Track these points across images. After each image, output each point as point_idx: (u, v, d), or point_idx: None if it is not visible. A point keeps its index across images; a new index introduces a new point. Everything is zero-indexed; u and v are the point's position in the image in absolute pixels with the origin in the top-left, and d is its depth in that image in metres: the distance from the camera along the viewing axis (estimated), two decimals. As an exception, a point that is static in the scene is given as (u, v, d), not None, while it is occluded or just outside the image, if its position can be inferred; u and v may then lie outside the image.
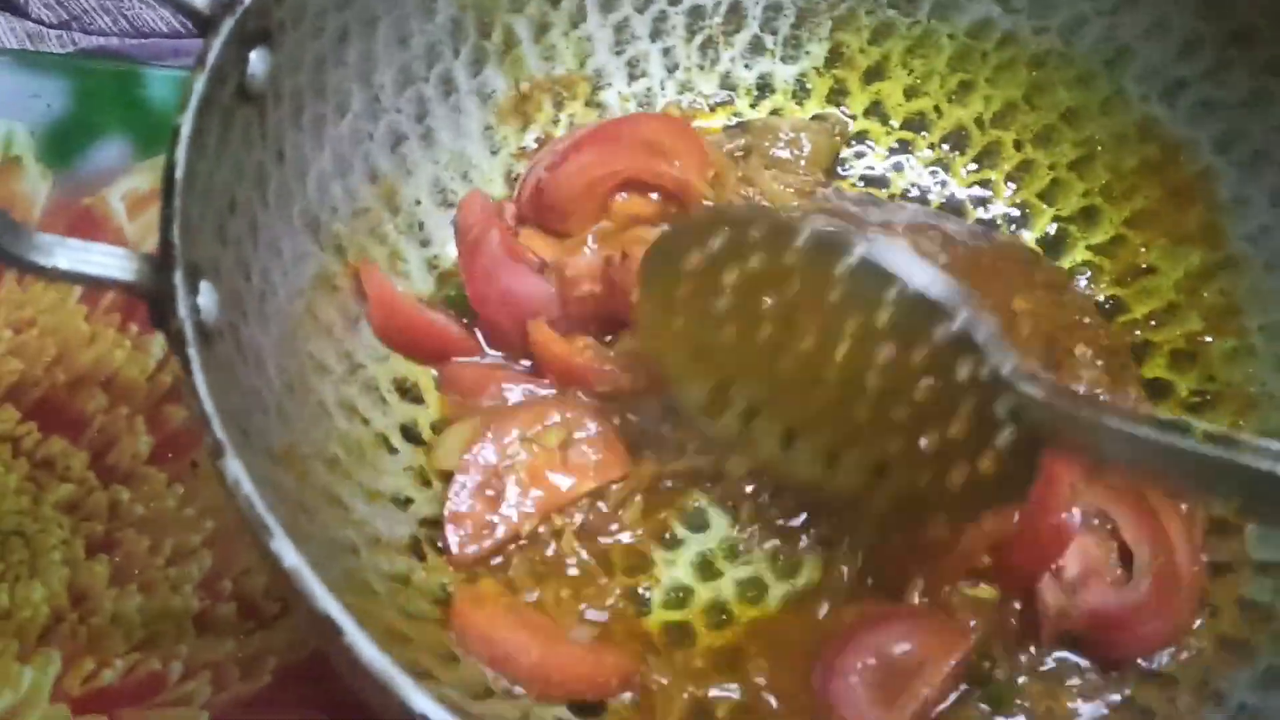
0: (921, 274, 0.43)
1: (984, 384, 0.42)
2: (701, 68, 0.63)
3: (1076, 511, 0.48)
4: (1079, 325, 0.56)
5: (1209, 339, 0.56)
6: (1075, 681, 0.48)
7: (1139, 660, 0.49)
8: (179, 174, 0.38)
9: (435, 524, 0.50)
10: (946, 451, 0.43)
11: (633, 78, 0.62)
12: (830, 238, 0.44)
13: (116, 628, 0.55)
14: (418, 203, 0.56)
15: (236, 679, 0.53)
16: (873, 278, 0.43)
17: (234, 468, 0.33)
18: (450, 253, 0.57)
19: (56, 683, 0.53)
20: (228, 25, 0.41)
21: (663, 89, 0.63)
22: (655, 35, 0.62)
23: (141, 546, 0.57)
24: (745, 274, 0.45)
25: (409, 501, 0.50)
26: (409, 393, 0.53)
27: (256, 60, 0.44)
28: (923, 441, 0.43)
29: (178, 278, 0.36)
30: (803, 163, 0.60)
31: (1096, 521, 0.50)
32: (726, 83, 0.64)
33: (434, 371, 0.54)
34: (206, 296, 0.39)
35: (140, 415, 0.60)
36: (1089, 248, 0.60)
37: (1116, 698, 0.48)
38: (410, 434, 0.52)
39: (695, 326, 0.47)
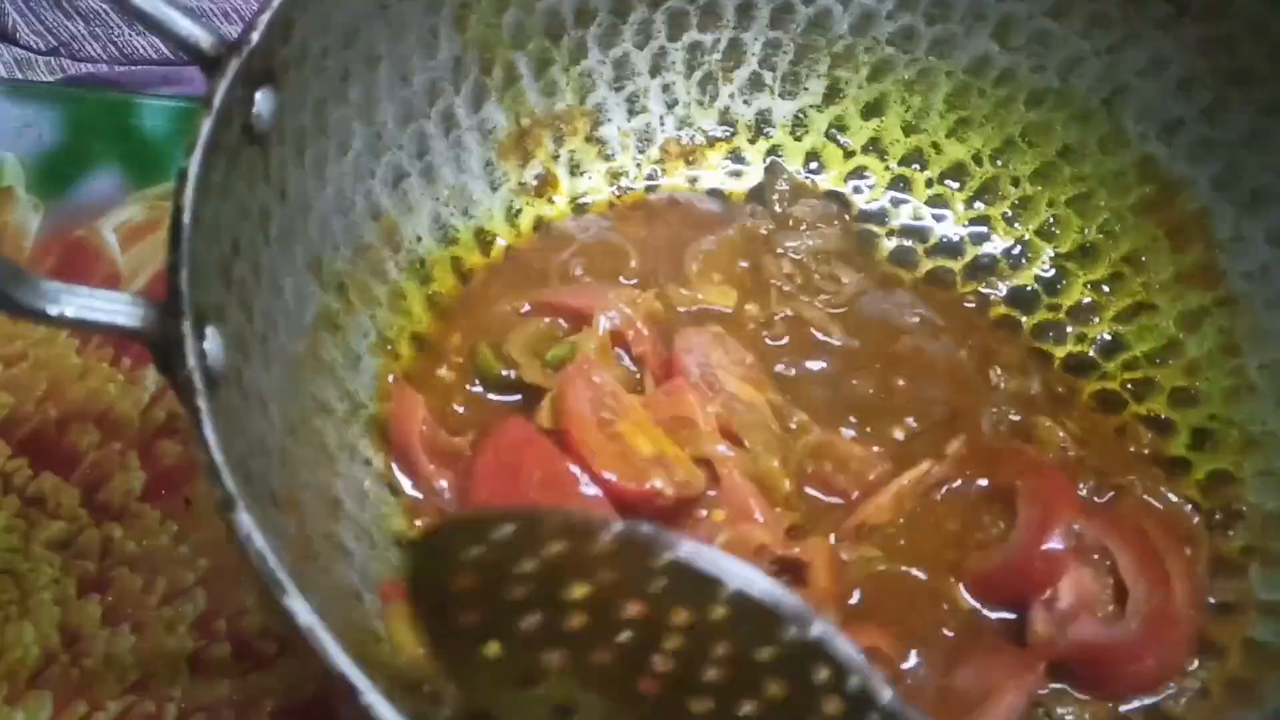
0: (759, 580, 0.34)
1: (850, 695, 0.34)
2: (701, 103, 0.63)
3: (1065, 541, 0.48)
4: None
5: (1209, 377, 0.57)
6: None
7: (1140, 699, 0.49)
8: (187, 218, 0.37)
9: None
10: None
11: (632, 113, 0.62)
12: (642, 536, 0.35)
13: (109, 669, 0.54)
14: (419, 239, 0.56)
15: (232, 721, 0.52)
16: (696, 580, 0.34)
17: (245, 522, 0.33)
18: (450, 289, 0.56)
19: (48, 727, 0.52)
20: (234, 66, 0.41)
21: (662, 124, 0.63)
22: (655, 71, 0.62)
23: (135, 585, 0.56)
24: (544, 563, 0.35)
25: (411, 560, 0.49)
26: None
27: (262, 100, 0.43)
28: None
29: (186, 326, 0.36)
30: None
31: (1096, 556, 0.50)
32: (726, 118, 0.64)
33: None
34: (213, 342, 0.38)
35: (133, 451, 0.60)
36: (1087, 285, 0.60)
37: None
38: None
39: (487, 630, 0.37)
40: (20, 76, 0.81)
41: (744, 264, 0.59)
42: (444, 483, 0.51)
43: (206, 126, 0.39)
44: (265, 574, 0.32)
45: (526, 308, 0.55)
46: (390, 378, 0.53)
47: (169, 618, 0.55)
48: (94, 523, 0.58)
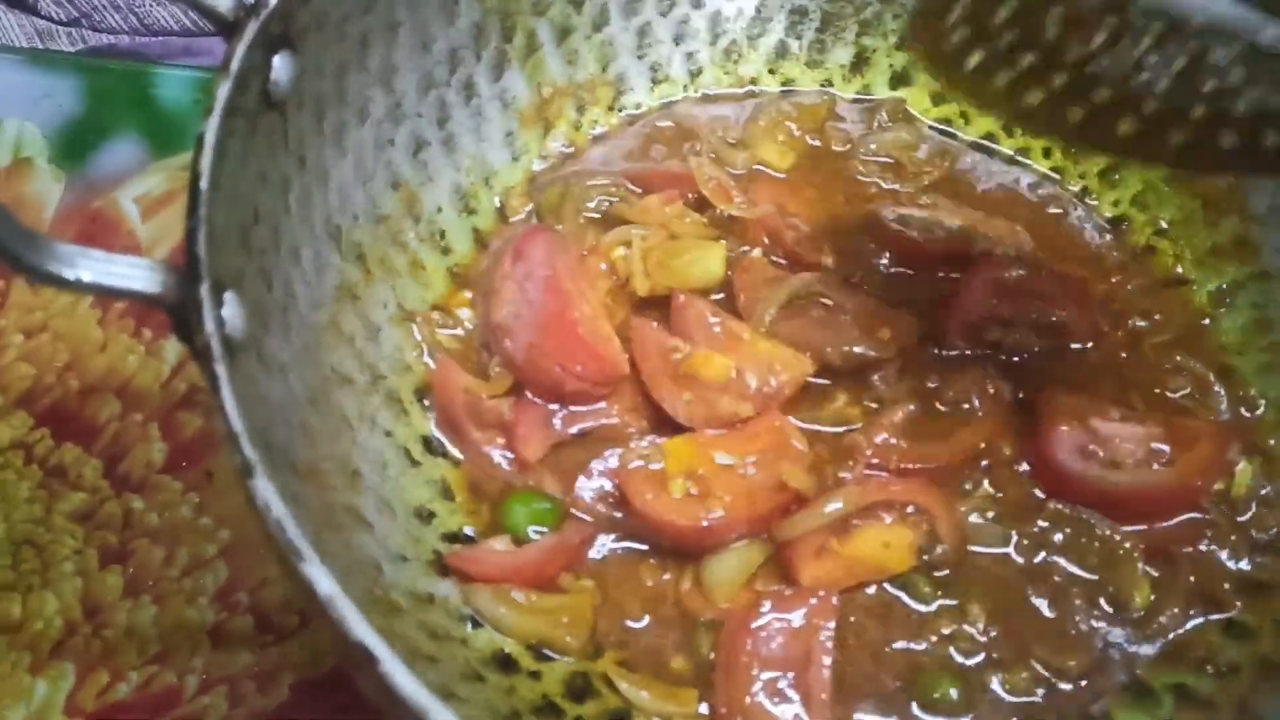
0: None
1: None
2: (726, 72, 0.62)
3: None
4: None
5: (1242, 353, 0.55)
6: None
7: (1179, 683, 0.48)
8: (204, 184, 0.37)
9: (457, 539, 0.49)
10: None
11: (655, 82, 0.61)
12: None
13: (130, 640, 0.54)
14: (439, 210, 0.55)
15: (253, 693, 0.52)
16: None
17: (264, 489, 0.32)
18: (470, 260, 0.56)
19: (69, 696, 0.52)
20: (251, 29, 0.40)
21: (685, 93, 0.62)
22: (678, 39, 0.61)
23: (156, 557, 0.56)
24: None
25: (431, 515, 0.49)
26: (431, 404, 0.52)
27: (280, 65, 0.43)
28: None
29: (204, 290, 0.35)
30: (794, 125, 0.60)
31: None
32: (751, 87, 0.63)
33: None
34: (232, 308, 0.38)
35: (154, 423, 0.60)
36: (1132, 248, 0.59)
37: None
38: (432, 446, 0.51)
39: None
40: (42, 47, 0.80)
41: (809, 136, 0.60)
42: (493, 448, 0.51)
43: (225, 90, 0.39)
44: (284, 542, 0.31)
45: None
46: (424, 351, 0.53)
47: (190, 589, 0.55)
48: (115, 494, 0.57)
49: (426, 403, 0.52)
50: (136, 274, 0.36)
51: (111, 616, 0.54)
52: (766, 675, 0.45)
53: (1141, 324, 0.56)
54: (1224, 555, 0.50)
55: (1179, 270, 0.58)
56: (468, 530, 0.50)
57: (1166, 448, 0.50)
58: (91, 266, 0.35)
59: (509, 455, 0.51)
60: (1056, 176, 0.61)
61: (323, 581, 0.31)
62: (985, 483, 0.51)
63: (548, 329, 0.50)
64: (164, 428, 0.59)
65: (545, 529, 0.49)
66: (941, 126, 0.62)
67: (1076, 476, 0.50)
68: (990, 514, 0.50)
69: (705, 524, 0.47)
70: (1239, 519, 0.51)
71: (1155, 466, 0.50)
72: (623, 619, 0.48)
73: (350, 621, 0.30)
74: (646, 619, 0.48)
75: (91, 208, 0.67)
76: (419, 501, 0.49)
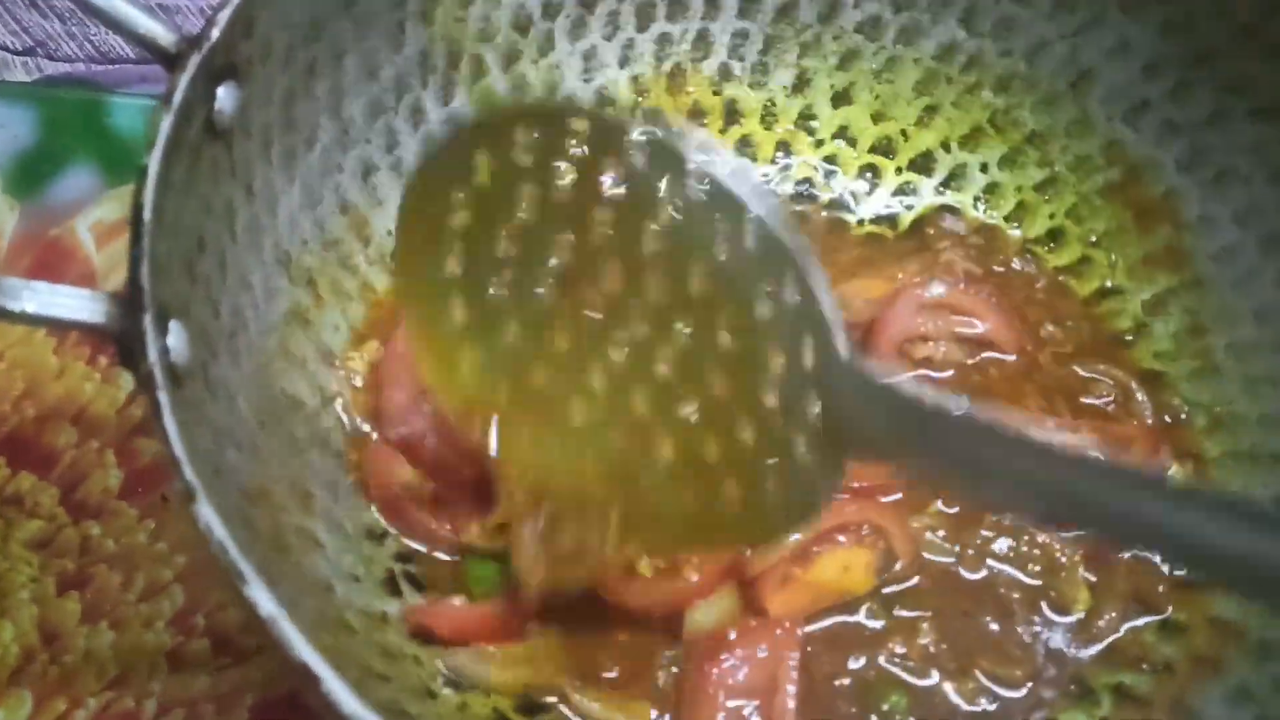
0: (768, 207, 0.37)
1: (814, 364, 0.38)
2: (670, 94, 0.63)
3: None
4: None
5: (1175, 359, 0.57)
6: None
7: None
8: (147, 215, 0.37)
9: (409, 558, 0.50)
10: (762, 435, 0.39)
11: (601, 105, 0.63)
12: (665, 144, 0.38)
13: (89, 666, 0.54)
14: (389, 233, 0.56)
15: (212, 716, 0.53)
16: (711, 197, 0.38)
17: (206, 513, 0.33)
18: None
19: (28, 724, 0.52)
20: (194, 61, 0.41)
21: (633, 115, 0.63)
22: (623, 63, 0.62)
23: (113, 583, 0.56)
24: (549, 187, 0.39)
25: (384, 536, 0.50)
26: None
27: (224, 96, 0.43)
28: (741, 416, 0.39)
29: (147, 320, 0.36)
30: None
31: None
32: (696, 109, 0.64)
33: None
34: (176, 337, 0.38)
35: (110, 449, 0.60)
36: (1055, 269, 0.61)
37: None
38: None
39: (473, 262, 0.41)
40: (-4, 77, 0.80)
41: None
42: (446, 527, 0.51)
43: (167, 123, 0.39)
44: (227, 564, 0.32)
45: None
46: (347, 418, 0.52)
47: (147, 614, 0.55)
48: (72, 521, 0.58)
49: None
50: (81, 305, 0.37)
51: (69, 643, 0.54)
52: (732, 703, 0.46)
53: (1057, 331, 0.58)
54: (1158, 557, 0.51)
55: (1109, 282, 0.59)
56: (419, 548, 0.50)
57: (1101, 455, 0.52)
58: (35, 299, 0.36)
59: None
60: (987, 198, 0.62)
61: (265, 603, 0.31)
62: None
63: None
64: (120, 454, 0.60)
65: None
66: (883, 145, 0.64)
67: None
68: (940, 531, 0.51)
69: (682, 593, 0.48)
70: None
71: None
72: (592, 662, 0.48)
73: (293, 642, 0.31)
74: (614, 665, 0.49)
75: (48, 236, 0.67)
76: (371, 522, 0.49)
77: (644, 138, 0.38)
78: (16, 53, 0.83)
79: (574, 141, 0.39)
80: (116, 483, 0.59)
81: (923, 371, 0.55)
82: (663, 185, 0.38)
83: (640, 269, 0.39)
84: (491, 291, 0.41)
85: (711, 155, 0.38)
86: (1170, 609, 0.50)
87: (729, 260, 0.38)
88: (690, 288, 0.39)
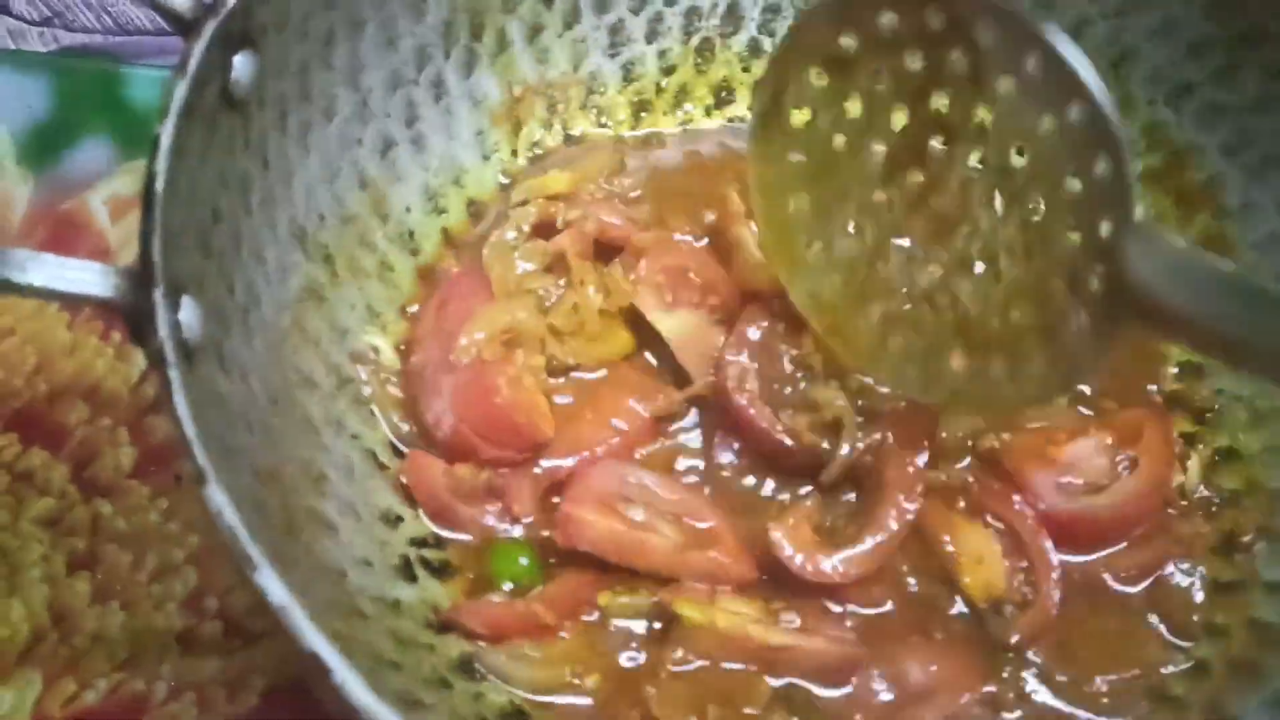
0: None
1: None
2: (698, 70, 0.62)
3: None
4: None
5: (1216, 351, 0.55)
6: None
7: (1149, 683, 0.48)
8: (159, 186, 0.36)
9: (425, 543, 0.49)
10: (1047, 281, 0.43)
11: (628, 80, 0.61)
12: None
13: (98, 647, 0.53)
14: (408, 210, 0.55)
15: (223, 700, 0.52)
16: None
17: (217, 496, 0.32)
18: (440, 258, 0.55)
19: (36, 704, 0.51)
20: (210, 28, 0.40)
21: (659, 92, 0.61)
22: (651, 37, 0.61)
23: (124, 563, 0.55)
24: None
25: (399, 520, 0.49)
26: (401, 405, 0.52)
27: (240, 65, 0.42)
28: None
29: (158, 295, 0.35)
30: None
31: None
32: (724, 85, 0.62)
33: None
34: (188, 312, 0.37)
35: (123, 427, 0.59)
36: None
37: None
38: (400, 450, 0.51)
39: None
40: (13, 47, 0.79)
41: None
42: (489, 517, 0.50)
43: (181, 91, 0.38)
44: (236, 550, 0.31)
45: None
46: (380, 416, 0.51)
47: (158, 595, 0.54)
48: (83, 499, 0.57)
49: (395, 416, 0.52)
50: (90, 278, 0.35)
51: (79, 623, 0.54)
52: None
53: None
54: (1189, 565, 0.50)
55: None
56: (438, 532, 0.49)
57: (1121, 451, 0.50)
58: (43, 271, 0.35)
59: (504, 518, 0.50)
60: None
61: (275, 590, 0.30)
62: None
63: (467, 401, 0.49)
64: (133, 432, 0.59)
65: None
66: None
67: (1069, 517, 0.50)
68: None
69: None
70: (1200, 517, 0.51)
71: (1124, 474, 0.50)
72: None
73: (303, 630, 0.30)
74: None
75: (61, 209, 0.66)
76: (386, 505, 0.48)
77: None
78: (33, 23, 0.82)
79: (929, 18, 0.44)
80: (128, 461, 0.58)
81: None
82: (1006, 58, 0.42)
83: (970, 141, 0.45)
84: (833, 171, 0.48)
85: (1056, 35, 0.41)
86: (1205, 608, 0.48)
87: (1051, 134, 0.42)
88: (1009, 160, 0.44)
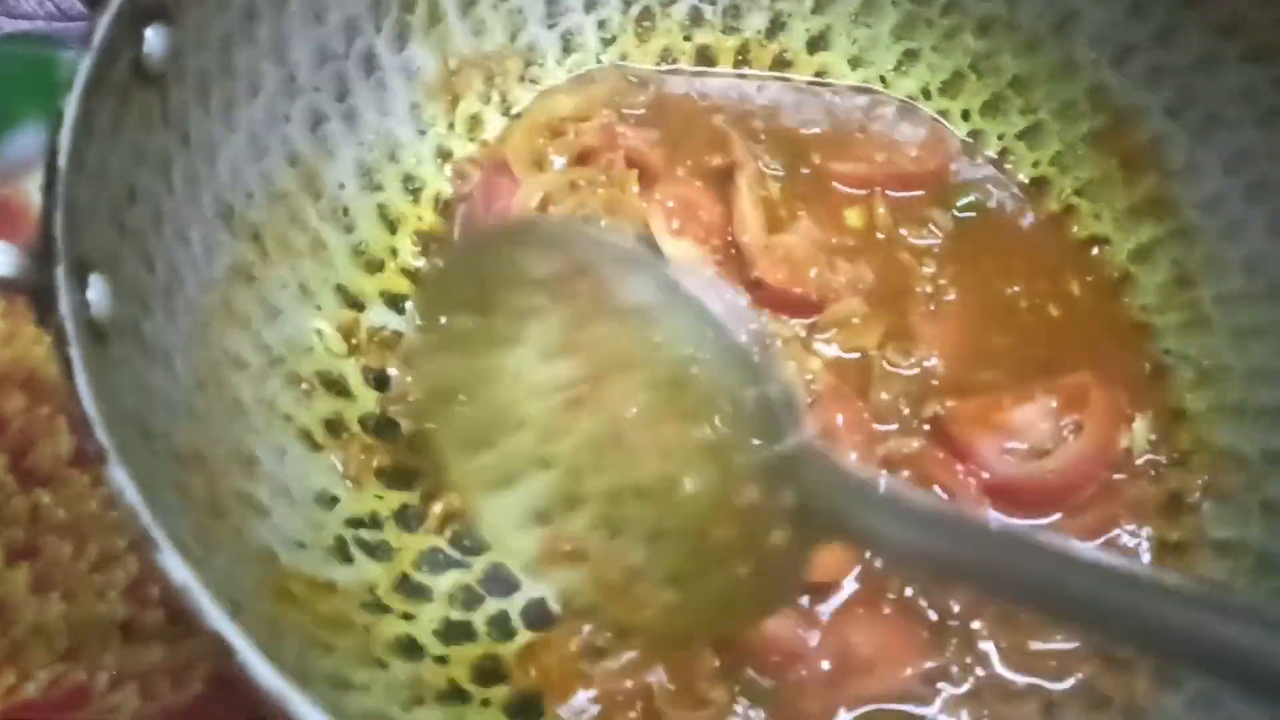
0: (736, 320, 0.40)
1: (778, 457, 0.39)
2: (639, 39, 0.61)
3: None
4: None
5: (1163, 311, 0.55)
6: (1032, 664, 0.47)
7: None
8: (62, 161, 0.35)
9: (361, 524, 0.48)
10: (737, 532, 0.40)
11: (567, 51, 0.60)
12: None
13: (39, 638, 0.52)
14: (341, 186, 0.54)
15: (166, 689, 0.51)
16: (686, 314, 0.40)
17: (118, 475, 0.31)
18: (375, 238, 0.54)
19: (-25, 697, 0.51)
20: (116, 1, 0.39)
21: (599, 62, 0.61)
22: (589, 7, 0.60)
23: (64, 552, 0.54)
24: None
25: (334, 501, 0.48)
26: (334, 386, 0.51)
27: (153, 38, 0.41)
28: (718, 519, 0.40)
29: (59, 272, 0.34)
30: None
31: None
32: (666, 55, 0.61)
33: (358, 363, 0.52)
34: (97, 290, 0.36)
35: (61, 415, 0.58)
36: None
37: (1072, 681, 0.47)
38: (335, 428, 0.50)
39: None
40: (-50, 34, 0.78)
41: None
42: None
43: (86, 64, 0.37)
44: (138, 529, 0.30)
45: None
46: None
47: (100, 584, 0.53)
48: (22, 489, 0.56)
49: (331, 384, 0.51)
50: (-9, 257, 0.34)
51: (19, 614, 0.53)
52: None
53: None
54: (1134, 527, 0.49)
55: (1095, 232, 0.57)
56: (375, 513, 0.49)
57: (1068, 415, 0.50)
58: (-59, 250, 0.34)
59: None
60: (971, 141, 0.60)
61: (176, 569, 0.30)
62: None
63: None
64: (71, 420, 0.58)
65: None
66: (864, 86, 0.61)
67: (1015, 483, 0.50)
68: None
69: None
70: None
71: (1070, 438, 0.50)
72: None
73: (206, 611, 0.29)
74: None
75: (-4, 196, 0.65)
76: (320, 487, 0.47)
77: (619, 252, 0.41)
78: (-26, 10, 0.80)
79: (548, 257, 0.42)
80: (68, 450, 0.57)
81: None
82: (634, 294, 0.40)
83: (618, 371, 0.41)
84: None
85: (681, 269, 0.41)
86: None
87: (702, 367, 0.40)
88: (664, 395, 0.40)
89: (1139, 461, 0.51)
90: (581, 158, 0.56)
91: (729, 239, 0.55)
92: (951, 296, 0.54)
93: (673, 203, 0.55)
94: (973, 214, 0.57)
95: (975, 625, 0.47)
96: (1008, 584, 0.34)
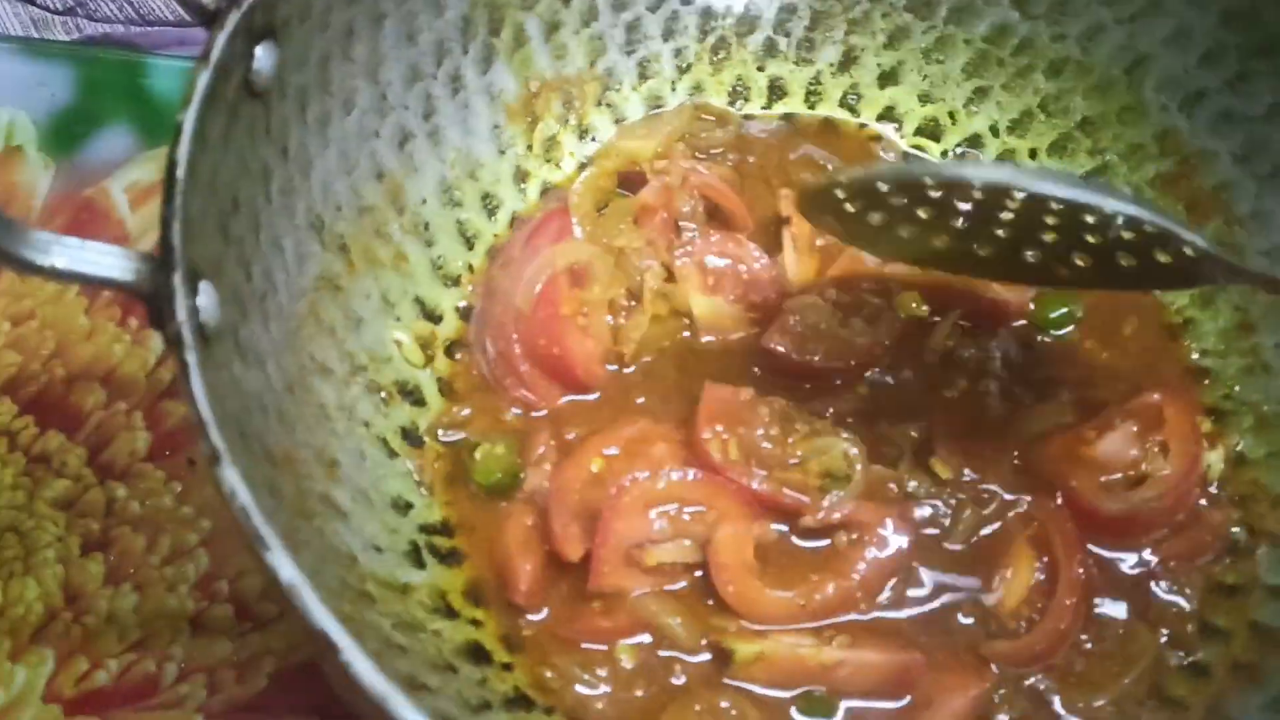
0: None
1: None
2: (714, 69, 0.62)
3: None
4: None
5: (1224, 356, 0.55)
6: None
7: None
8: (180, 172, 0.37)
9: (433, 530, 0.49)
10: None
11: (644, 78, 0.61)
12: None
13: (111, 627, 0.54)
14: (424, 202, 0.55)
15: (232, 682, 0.53)
16: None
17: (230, 476, 0.32)
18: (453, 253, 0.56)
19: (49, 682, 0.52)
20: (233, 19, 0.40)
21: (674, 90, 0.62)
22: (667, 35, 0.61)
23: (137, 545, 0.56)
24: None
25: (409, 506, 0.49)
26: (411, 394, 0.52)
27: (262, 55, 0.43)
28: None
29: (177, 279, 0.35)
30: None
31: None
32: (739, 84, 0.63)
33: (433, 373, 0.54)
34: (206, 297, 0.38)
35: (138, 411, 0.60)
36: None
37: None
38: (411, 437, 0.51)
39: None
40: (37, 35, 0.80)
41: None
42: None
43: (204, 80, 0.39)
44: (248, 529, 0.32)
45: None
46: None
47: (171, 578, 0.55)
48: (98, 482, 0.58)
49: (407, 394, 0.52)
50: (111, 262, 0.36)
51: (92, 603, 0.54)
52: None
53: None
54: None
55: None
56: (447, 520, 0.50)
57: (1150, 437, 0.50)
58: (66, 254, 0.35)
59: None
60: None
61: (285, 569, 0.31)
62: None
63: (525, 320, 0.52)
64: (148, 416, 0.60)
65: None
66: (930, 127, 0.62)
67: (1125, 517, 0.50)
68: None
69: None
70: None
71: (1162, 463, 0.50)
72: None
73: (312, 609, 0.30)
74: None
75: (81, 196, 0.67)
76: (396, 492, 0.49)
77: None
78: (57, 12, 0.83)
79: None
80: (144, 445, 0.59)
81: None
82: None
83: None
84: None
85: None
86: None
87: None
88: None
89: (1212, 489, 0.52)
90: (638, 217, 0.56)
91: (771, 297, 0.55)
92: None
93: (715, 257, 0.55)
94: (1070, 328, 0.57)
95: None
96: None
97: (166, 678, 0.53)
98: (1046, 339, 0.56)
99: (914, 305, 0.55)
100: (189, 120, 0.38)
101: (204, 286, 0.38)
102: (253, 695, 0.52)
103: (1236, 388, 0.55)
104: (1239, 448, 0.53)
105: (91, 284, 0.36)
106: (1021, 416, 0.53)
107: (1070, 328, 0.56)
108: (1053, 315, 0.56)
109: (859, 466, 0.49)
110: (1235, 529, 0.51)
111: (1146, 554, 0.50)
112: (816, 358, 0.53)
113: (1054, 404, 0.53)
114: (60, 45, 0.78)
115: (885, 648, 0.47)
